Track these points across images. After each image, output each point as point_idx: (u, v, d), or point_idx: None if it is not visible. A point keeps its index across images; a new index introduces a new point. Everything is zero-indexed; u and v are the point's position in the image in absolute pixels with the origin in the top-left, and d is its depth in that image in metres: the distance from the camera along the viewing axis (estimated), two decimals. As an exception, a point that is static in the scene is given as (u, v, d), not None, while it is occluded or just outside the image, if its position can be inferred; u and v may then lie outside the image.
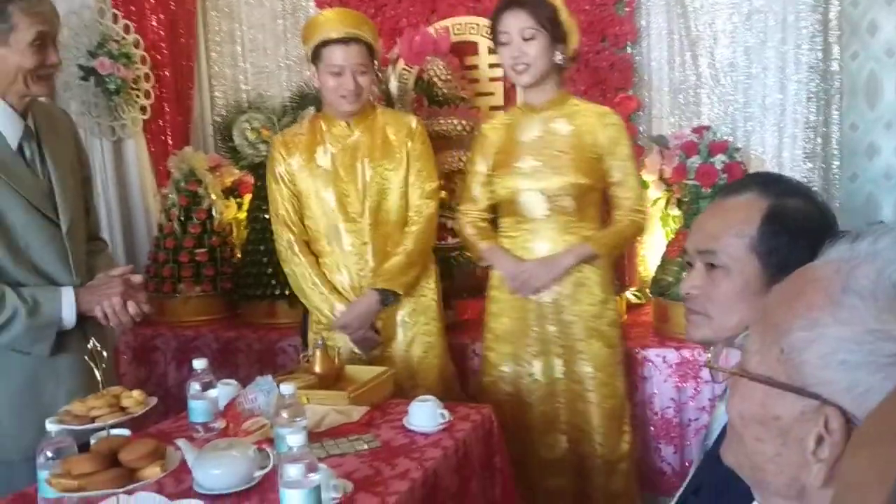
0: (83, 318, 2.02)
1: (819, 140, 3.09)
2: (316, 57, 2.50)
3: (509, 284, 2.51)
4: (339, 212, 2.56)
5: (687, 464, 2.58)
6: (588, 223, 2.50)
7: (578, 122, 2.47)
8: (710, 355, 0.92)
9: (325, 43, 2.46)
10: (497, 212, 2.62)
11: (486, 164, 2.58)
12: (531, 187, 2.46)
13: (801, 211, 1.28)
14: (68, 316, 1.99)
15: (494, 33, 2.47)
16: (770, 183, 1.36)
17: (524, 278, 2.46)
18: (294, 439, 1.49)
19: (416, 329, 2.62)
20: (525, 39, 2.39)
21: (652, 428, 2.67)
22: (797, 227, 1.26)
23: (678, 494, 1.41)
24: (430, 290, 2.66)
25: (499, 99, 3.46)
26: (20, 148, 1.99)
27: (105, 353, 1.55)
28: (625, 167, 2.47)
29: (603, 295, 2.48)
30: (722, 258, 1.32)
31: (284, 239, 2.60)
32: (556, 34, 2.41)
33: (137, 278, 2.13)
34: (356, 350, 2.57)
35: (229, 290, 3.44)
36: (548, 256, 2.46)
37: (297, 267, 2.59)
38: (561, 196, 2.44)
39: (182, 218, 3.43)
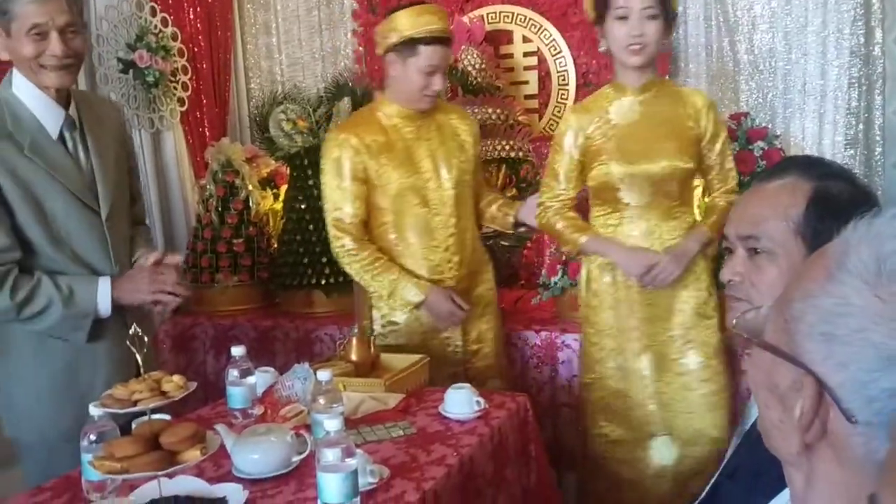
0: (121, 306, 2.06)
1: (861, 126, 3.04)
2: (407, 50, 2.40)
3: (639, 279, 2.35)
4: (423, 205, 2.50)
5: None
6: (688, 207, 2.42)
7: (678, 104, 2.38)
8: (735, 321, 0.92)
9: (428, 41, 2.38)
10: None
11: (577, 150, 2.41)
12: (635, 172, 2.33)
13: (846, 193, 1.26)
14: (104, 305, 2.02)
15: (606, 5, 2.29)
16: (811, 166, 1.34)
17: (656, 273, 2.32)
18: (331, 424, 1.50)
19: (477, 321, 2.60)
20: (647, 18, 2.25)
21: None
22: (842, 210, 1.23)
23: (714, 478, 1.40)
24: (489, 280, 2.65)
25: (533, 87, 3.45)
26: (61, 137, 2.03)
27: (146, 339, 1.58)
28: (723, 149, 2.39)
29: (708, 280, 2.40)
30: (766, 243, 1.30)
31: (345, 241, 2.50)
32: (670, 16, 2.32)
33: (176, 258, 2.17)
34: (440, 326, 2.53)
35: (266, 280, 3.48)
36: (674, 246, 2.34)
37: (365, 262, 2.50)
38: (666, 180, 2.34)
39: (219, 208, 3.47)
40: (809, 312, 0.74)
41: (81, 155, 2.06)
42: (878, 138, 3.08)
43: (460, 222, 2.54)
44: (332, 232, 2.53)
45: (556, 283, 2.85)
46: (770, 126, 2.95)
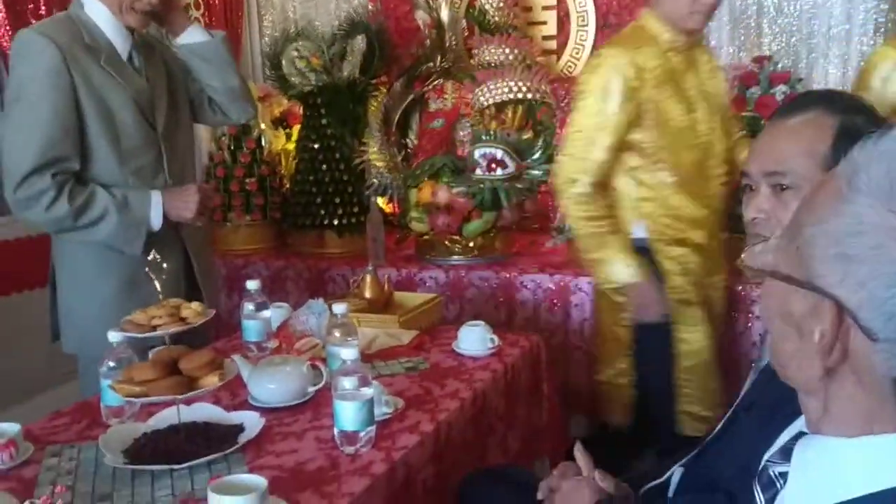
0: (174, 223, 2.12)
1: (885, 73, 2.98)
2: None
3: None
4: (701, 150, 2.22)
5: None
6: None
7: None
8: (744, 255, 0.90)
9: None
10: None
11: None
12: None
13: (870, 126, 1.24)
14: (155, 217, 2.06)
15: None
16: (833, 100, 1.32)
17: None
18: (348, 353, 1.51)
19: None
20: None
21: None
22: None
23: (731, 410, 1.41)
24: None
25: (551, 28, 3.40)
26: (130, 58, 2.10)
27: (164, 265, 1.58)
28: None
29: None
30: (793, 178, 1.28)
31: (583, 180, 2.19)
32: None
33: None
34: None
35: (278, 220, 3.48)
36: None
37: (592, 214, 2.22)
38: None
39: (232, 147, 3.45)
40: (822, 236, 0.73)
41: (146, 74, 2.13)
42: (901, 85, 3.02)
43: (726, 171, 2.28)
44: (570, 165, 2.21)
45: (570, 228, 2.83)
46: (793, 71, 2.89)
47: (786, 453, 0.86)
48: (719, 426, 1.41)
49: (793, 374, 0.79)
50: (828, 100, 1.32)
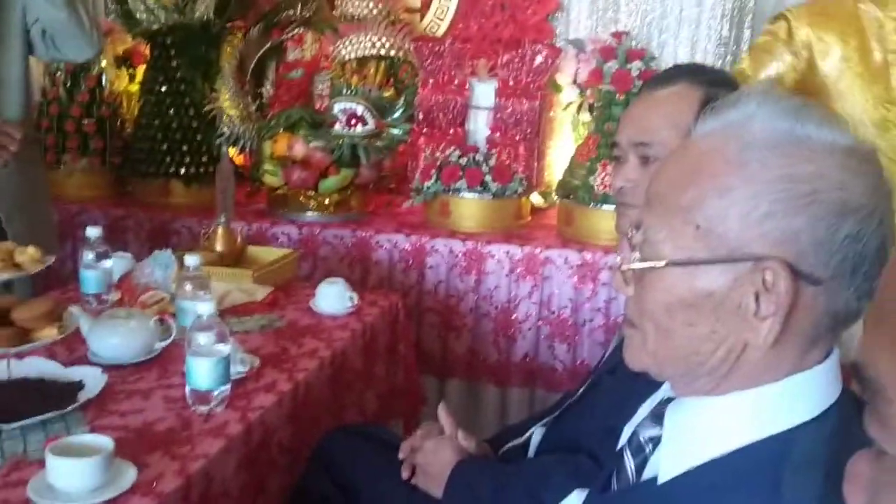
0: None
1: (729, 58, 3.14)
2: None
3: None
4: None
5: (579, 362, 2.66)
6: None
7: None
8: (621, 264, 0.88)
9: None
10: None
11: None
12: None
13: None
14: None
15: None
16: (697, 73, 1.38)
17: None
18: (204, 307, 1.43)
19: None
20: None
21: (548, 327, 2.73)
22: None
23: (592, 375, 1.45)
24: None
25: (418, -15, 3.34)
26: None
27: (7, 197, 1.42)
28: None
29: None
30: (658, 149, 1.32)
31: None
32: None
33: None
34: None
35: (119, 166, 3.24)
36: None
37: None
38: None
39: (68, 84, 3.18)
40: (734, 205, 0.72)
41: None
42: (742, 71, 3.20)
43: None
44: None
45: (428, 188, 2.82)
46: (647, 49, 2.99)
47: (656, 418, 0.88)
48: (582, 388, 1.44)
49: (704, 357, 0.77)
50: (692, 73, 1.38)
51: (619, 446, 0.91)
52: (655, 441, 0.84)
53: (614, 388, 1.25)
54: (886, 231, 0.73)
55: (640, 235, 0.80)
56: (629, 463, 0.86)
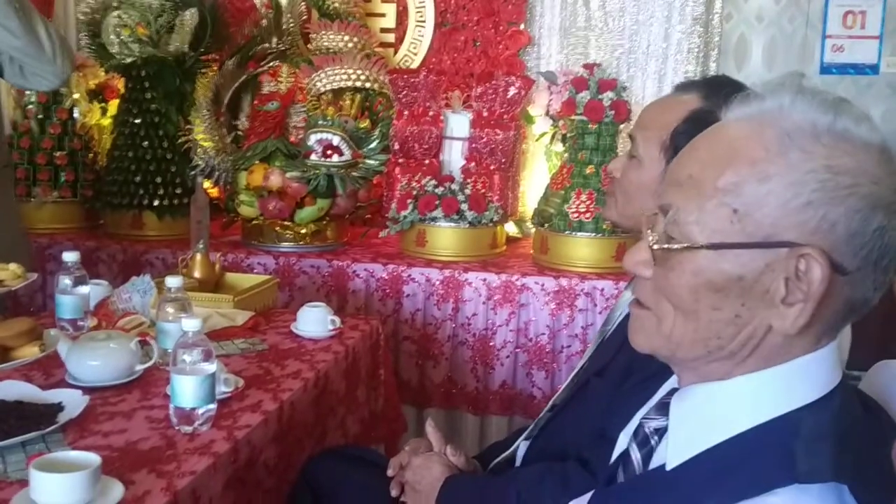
0: None
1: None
2: None
3: None
4: None
5: (559, 388, 2.66)
6: None
7: None
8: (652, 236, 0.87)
9: None
10: None
11: None
12: None
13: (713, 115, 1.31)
14: None
15: None
16: (716, 86, 1.34)
17: None
18: (190, 324, 1.41)
19: None
20: None
21: (525, 354, 2.73)
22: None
23: (573, 378, 1.45)
24: None
25: (390, 21, 3.40)
26: None
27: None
28: None
29: None
30: (638, 149, 1.36)
31: None
32: None
33: None
34: None
35: (91, 198, 3.21)
36: None
37: None
38: None
39: (40, 116, 3.16)
40: (776, 191, 0.73)
41: None
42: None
43: None
44: None
45: (405, 217, 2.83)
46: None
47: (661, 408, 0.88)
48: (564, 396, 1.44)
49: (724, 342, 0.77)
50: (710, 86, 1.36)
51: (619, 443, 0.92)
52: (661, 432, 0.84)
53: (604, 390, 1.26)
54: None
55: (671, 216, 0.78)
56: (635, 455, 0.86)
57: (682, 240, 0.77)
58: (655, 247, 0.80)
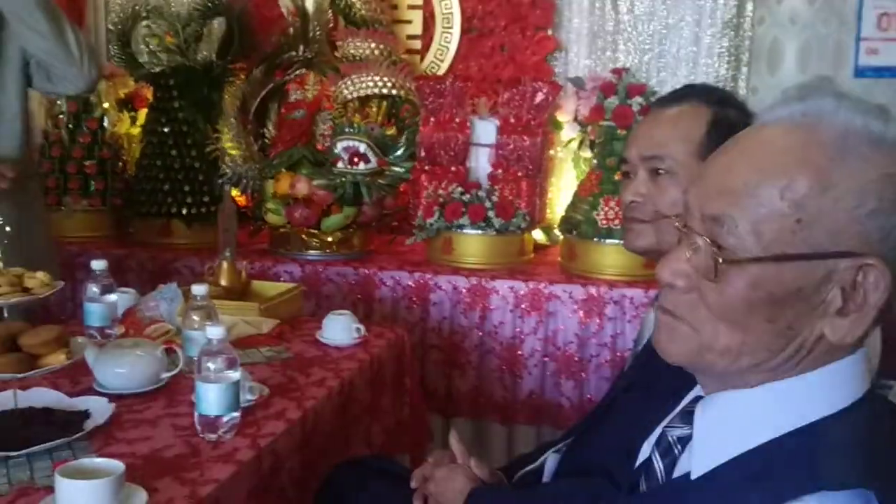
0: None
1: (727, 96, 3.18)
2: None
3: None
4: None
5: (588, 397, 2.63)
6: None
7: None
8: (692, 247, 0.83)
9: None
10: None
11: None
12: None
13: (743, 120, 1.30)
14: None
15: None
16: (708, 93, 1.40)
17: None
18: (215, 332, 1.41)
19: None
20: None
21: (554, 363, 2.70)
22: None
23: (607, 397, 1.43)
24: None
25: (416, 28, 3.39)
26: None
27: (8, 229, 1.41)
28: None
29: None
30: (669, 163, 1.34)
31: None
32: None
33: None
34: None
35: (120, 207, 3.24)
36: None
37: None
38: None
39: (71, 126, 3.20)
40: (841, 200, 0.70)
41: None
42: (739, 109, 3.24)
43: None
44: None
45: (431, 225, 2.82)
46: (647, 84, 3.03)
47: (685, 417, 0.86)
48: (597, 411, 1.42)
49: (772, 355, 0.74)
50: (703, 93, 1.40)
51: (641, 452, 0.90)
52: (684, 440, 0.82)
53: (631, 405, 1.23)
54: None
55: (726, 227, 0.74)
56: (658, 464, 0.84)
57: (737, 250, 0.74)
58: (700, 257, 0.76)
